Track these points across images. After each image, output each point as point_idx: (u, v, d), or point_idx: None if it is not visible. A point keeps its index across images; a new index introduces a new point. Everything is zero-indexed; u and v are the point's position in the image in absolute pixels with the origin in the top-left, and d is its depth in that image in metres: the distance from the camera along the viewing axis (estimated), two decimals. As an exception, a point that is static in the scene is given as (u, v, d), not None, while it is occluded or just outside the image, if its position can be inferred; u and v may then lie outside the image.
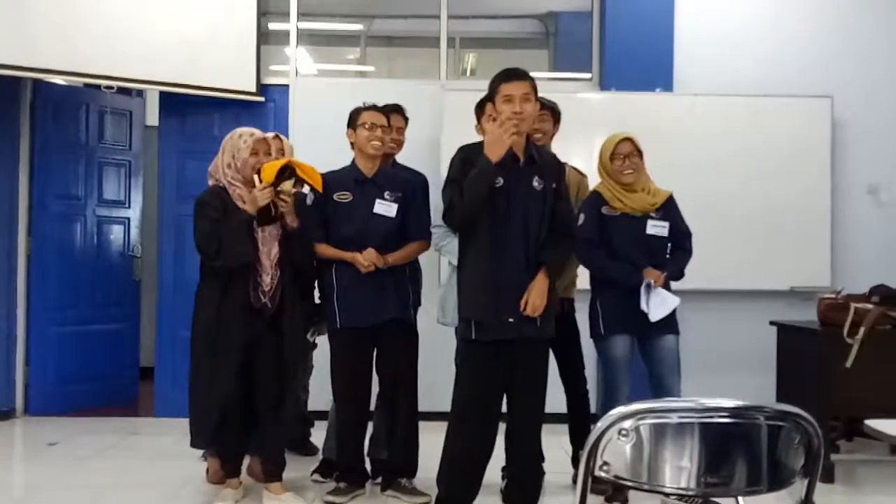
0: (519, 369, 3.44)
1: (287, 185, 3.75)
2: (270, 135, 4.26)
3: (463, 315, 3.51)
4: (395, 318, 4.01)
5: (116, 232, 6.53)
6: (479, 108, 3.94)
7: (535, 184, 3.44)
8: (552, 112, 4.22)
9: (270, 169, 3.74)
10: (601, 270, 4.07)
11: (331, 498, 4.01)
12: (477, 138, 3.70)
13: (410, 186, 4.14)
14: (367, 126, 4.02)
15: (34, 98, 6.01)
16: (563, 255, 3.57)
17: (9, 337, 5.88)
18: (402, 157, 4.45)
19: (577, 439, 4.31)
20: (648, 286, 3.92)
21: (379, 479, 4.22)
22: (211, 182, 3.91)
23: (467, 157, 3.44)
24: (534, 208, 3.43)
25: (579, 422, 4.28)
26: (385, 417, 4.16)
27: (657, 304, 3.93)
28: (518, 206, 3.41)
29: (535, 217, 3.43)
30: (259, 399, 3.86)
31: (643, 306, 3.91)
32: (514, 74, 3.43)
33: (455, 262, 3.86)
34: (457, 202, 3.37)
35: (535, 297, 3.38)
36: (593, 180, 4.28)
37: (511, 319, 3.38)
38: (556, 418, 4.18)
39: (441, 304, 4.13)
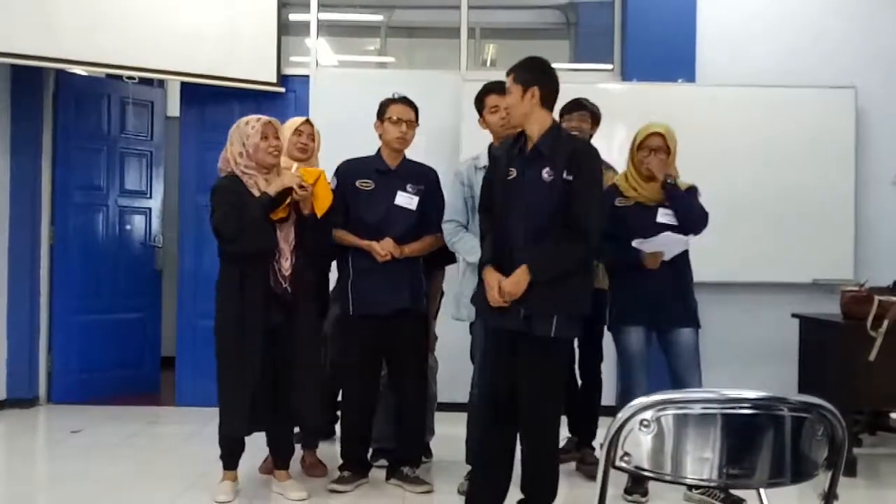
0: (519, 363, 3.34)
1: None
2: (301, 119, 4.24)
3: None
4: (407, 308, 4.00)
5: (138, 222, 6.57)
6: (479, 103, 4.00)
7: (545, 175, 3.28)
8: (592, 115, 4.35)
9: (308, 175, 3.78)
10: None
11: (335, 486, 4.00)
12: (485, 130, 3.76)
13: (431, 180, 4.16)
14: (393, 120, 4.04)
15: (56, 88, 6.05)
16: (552, 253, 3.26)
17: (32, 326, 5.93)
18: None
19: (580, 427, 4.35)
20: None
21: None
22: (222, 175, 3.84)
23: (492, 153, 3.53)
24: (538, 201, 3.28)
25: (585, 410, 4.31)
26: (392, 407, 4.16)
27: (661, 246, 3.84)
28: (520, 197, 3.32)
29: (539, 210, 3.27)
30: (278, 387, 3.81)
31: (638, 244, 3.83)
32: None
33: (468, 258, 3.89)
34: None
35: (507, 285, 3.23)
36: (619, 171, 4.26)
37: (491, 309, 3.31)
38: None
39: (456, 299, 4.07)
